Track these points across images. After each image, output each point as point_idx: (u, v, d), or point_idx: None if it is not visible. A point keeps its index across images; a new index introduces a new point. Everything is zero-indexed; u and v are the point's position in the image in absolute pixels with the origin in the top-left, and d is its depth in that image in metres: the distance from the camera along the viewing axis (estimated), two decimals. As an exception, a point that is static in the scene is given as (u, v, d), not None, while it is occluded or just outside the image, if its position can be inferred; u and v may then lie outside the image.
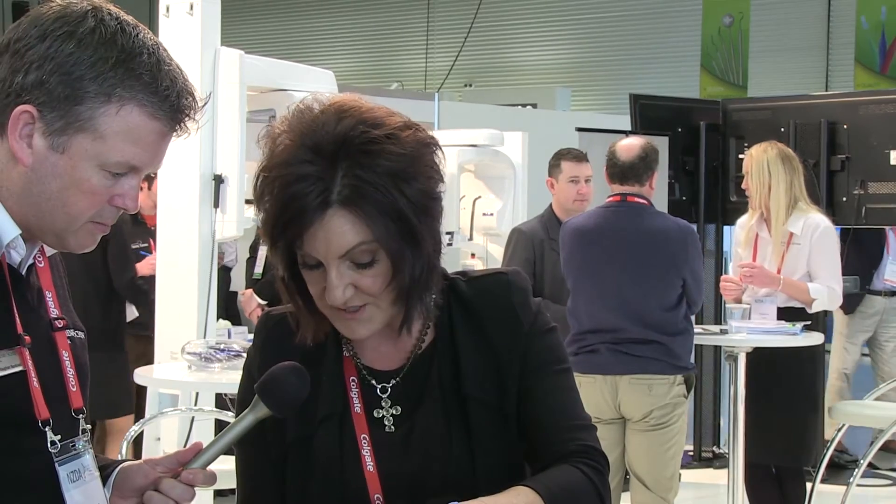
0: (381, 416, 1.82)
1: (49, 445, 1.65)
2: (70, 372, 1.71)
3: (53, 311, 1.72)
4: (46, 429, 1.65)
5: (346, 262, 1.70)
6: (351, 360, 1.84)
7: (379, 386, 1.83)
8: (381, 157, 1.68)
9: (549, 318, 1.88)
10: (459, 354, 1.81)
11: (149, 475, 1.73)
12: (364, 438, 1.79)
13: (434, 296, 1.81)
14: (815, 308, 5.49)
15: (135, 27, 1.64)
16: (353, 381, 1.83)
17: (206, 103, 1.70)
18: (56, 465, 1.66)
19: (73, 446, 1.69)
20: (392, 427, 1.81)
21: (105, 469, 1.77)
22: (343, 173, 1.67)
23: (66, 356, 1.71)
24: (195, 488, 1.71)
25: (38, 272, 1.72)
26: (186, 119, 1.67)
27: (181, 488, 1.68)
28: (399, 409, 1.82)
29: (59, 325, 1.72)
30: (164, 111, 1.64)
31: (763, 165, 5.46)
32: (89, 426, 1.74)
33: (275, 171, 1.70)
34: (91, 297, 6.00)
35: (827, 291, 5.44)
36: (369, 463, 1.78)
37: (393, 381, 1.83)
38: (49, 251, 1.75)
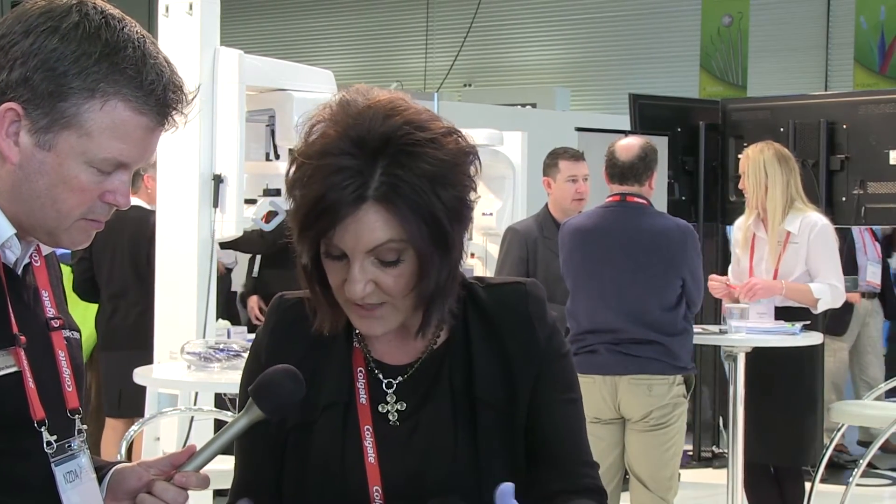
0: (385, 410, 1.81)
1: (45, 446, 1.64)
2: (66, 372, 1.70)
3: (50, 311, 1.71)
4: (42, 429, 1.64)
5: (371, 258, 1.69)
6: (360, 351, 1.83)
7: (386, 381, 1.82)
8: (422, 160, 1.68)
9: (564, 339, 1.88)
10: (473, 357, 1.80)
11: (142, 477, 1.72)
12: (367, 430, 1.78)
13: (451, 301, 1.80)
14: (821, 307, 5.47)
15: (120, 21, 1.62)
16: (360, 372, 1.82)
17: (194, 96, 1.68)
18: (52, 465, 1.65)
19: (68, 447, 1.68)
20: (396, 422, 1.80)
21: (100, 471, 1.76)
22: (382, 171, 1.66)
23: (62, 356, 1.70)
24: (189, 491, 1.70)
25: (35, 271, 1.71)
26: (174, 113, 1.65)
27: (174, 491, 1.67)
28: (404, 404, 1.81)
29: (56, 325, 1.70)
30: (149, 105, 1.62)
31: (759, 166, 5.46)
32: (85, 426, 1.72)
33: (314, 159, 1.69)
34: (122, 296, 6.04)
35: (829, 289, 5.43)
36: (371, 455, 1.77)
37: (400, 378, 1.82)
38: (45, 250, 1.74)
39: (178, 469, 1.70)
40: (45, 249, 1.74)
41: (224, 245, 6.92)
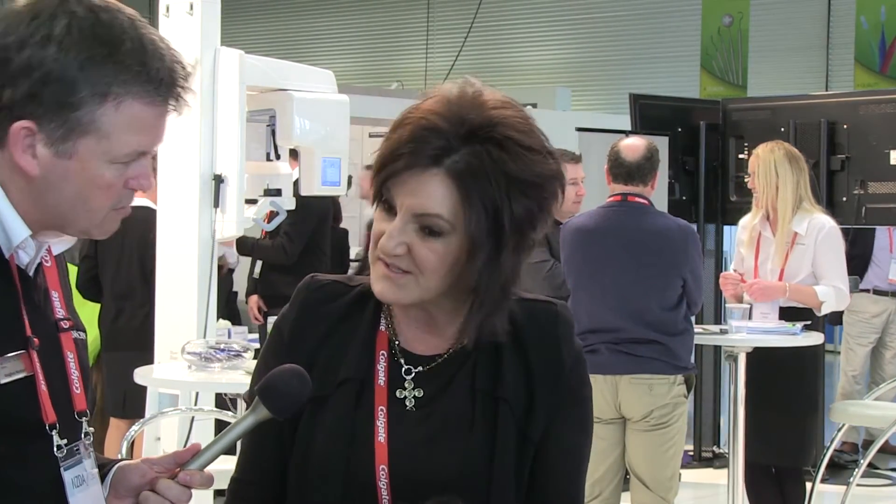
0: (403, 396, 1.79)
1: (55, 450, 1.63)
2: (75, 374, 1.68)
3: (59, 312, 1.70)
4: (53, 433, 1.63)
5: (416, 223, 1.69)
6: (387, 335, 1.82)
7: (406, 367, 1.81)
8: (511, 160, 1.69)
9: (587, 373, 1.86)
10: (501, 360, 1.79)
11: (146, 475, 1.71)
12: (381, 410, 1.77)
13: (501, 319, 1.77)
14: (825, 310, 5.47)
15: (106, 10, 1.60)
16: (382, 354, 1.81)
17: (194, 72, 1.67)
18: (62, 469, 1.64)
19: (76, 450, 1.67)
20: (413, 408, 1.79)
21: (102, 468, 1.74)
22: (469, 150, 1.68)
23: (70, 357, 1.69)
24: (192, 489, 1.69)
25: (45, 272, 1.70)
26: (182, 91, 1.64)
27: (178, 489, 1.67)
28: (422, 391, 1.79)
29: (65, 326, 1.69)
30: (161, 94, 1.62)
31: (770, 166, 5.46)
32: (92, 429, 1.71)
33: (417, 113, 1.71)
34: (127, 297, 6.07)
35: (834, 292, 5.42)
36: (381, 434, 1.76)
37: (421, 368, 1.81)
38: (56, 250, 1.73)
39: (182, 467, 1.69)
40: (56, 249, 1.73)
41: (243, 252, 6.91)
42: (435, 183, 1.68)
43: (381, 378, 1.79)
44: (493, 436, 1.75)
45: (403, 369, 1.80)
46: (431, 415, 1.78)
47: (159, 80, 1.60)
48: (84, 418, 1.69)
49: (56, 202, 1.61)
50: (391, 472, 1.74)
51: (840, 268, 5.48)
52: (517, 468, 1.77)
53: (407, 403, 1.79)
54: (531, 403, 1.78)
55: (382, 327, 1.83)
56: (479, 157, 1.67)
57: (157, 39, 1.62)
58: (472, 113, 1.70)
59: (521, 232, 1.71)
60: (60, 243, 1.73)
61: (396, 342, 1.82)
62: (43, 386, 1.62)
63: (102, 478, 1.73)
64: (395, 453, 1.75)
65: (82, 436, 1.69)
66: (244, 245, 6.86)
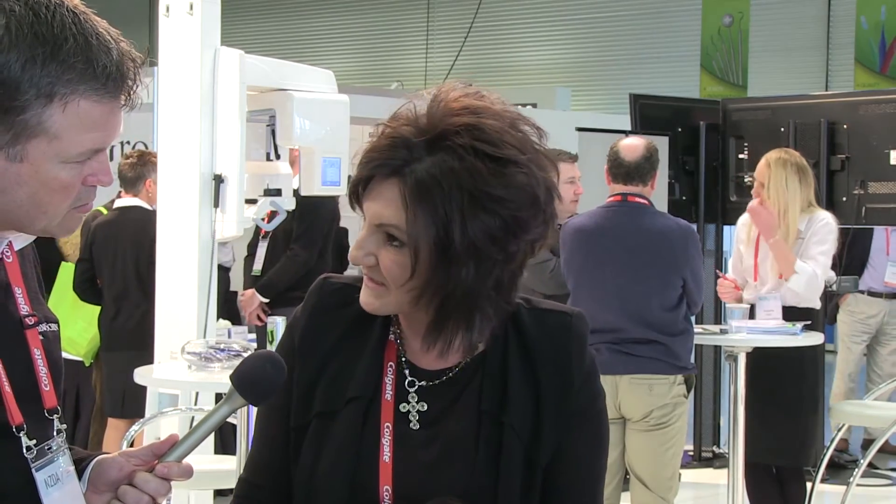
0: (406, 410, 1.77)
1: (25, 451, 1.60)
2: (43, 371, 1.64)
3: (24, 308, 1.65)
4: (21, 434, 1.59)
5: (381, 232, 1.69)
6: (395, 345, 1.80)
7: (410, 379, 1.78)
8: (469, 174, 1.66)
9: (599, 387, 1.84)
10: (507, 380, 1.76)
11: (123, 468, 1.68)
12: (387, 427, 1.75)
13: (478, 327, 1.74)
14: (793, 283, 5.46)
15: (47, 5, 1.53)
16: (390, 366, 1.79)
17: (144, 62, 1.60)
18: (33, 470, 1.61)
19: (48, 449, 1.64)
20: (416, 424, 1.77)
21: (80, 462, 1.72)
22: (430, 161, 1.66)
23: (38, 354, 1.64)
24: (179, 482, 1.67)
25: (7, 268, 1.66)
26: (132, 84, 1.58)
27: (156, 482, 1.64)
28: (425, 405, 1.77)
29: (30, 323, 1.65)
30: (109, 90, 1.55)
31: (782, 182, 5.48)
32: (65, 426, 1.68)
33: (392, 121, 1.71)
34: (125, 297, 6.09)
35: (810, 273, 5.43)
36: (386, 453, 1.74)
37: (425, 382, 1.78)
38: (18, 244, 1.68)
39: (161, 459, 1.67)
40: (18, 244, 1.69)
41: (271, 294, 6.72)
42: (392, 193, 1.67)
43: (388, 392, 1.77)
44: (497, 460, 1.73)
45: (407, 381, 1.78)
46: (436, 436, 1.76)
47: (107, 75, 1.54)
48: (55, 415, 1.65)
49: (11, 206, 1.56)
50: (395, 493, 1.73)
51: (824, 257, 5.50)
52: (523, 492, 1.74)
53: (411, 419, 1.77)
54: (538, 426, 1.75)
55: (392, 336, 1.81)
56: (434, 169, 1.65)
57: (103, 32, 1.55)
58: (435, 122, 1.68)
59: (478, 247, 1.67)
60: (20, 238, 1.68)
61: (403, 353, 1.80)
62: (7, 387, 1.58)
63: (80, 472, 1.70)
64: (399, 474, 1.73)
65: (55, 433, 1.65)
66: (268, 287, 6.72)
